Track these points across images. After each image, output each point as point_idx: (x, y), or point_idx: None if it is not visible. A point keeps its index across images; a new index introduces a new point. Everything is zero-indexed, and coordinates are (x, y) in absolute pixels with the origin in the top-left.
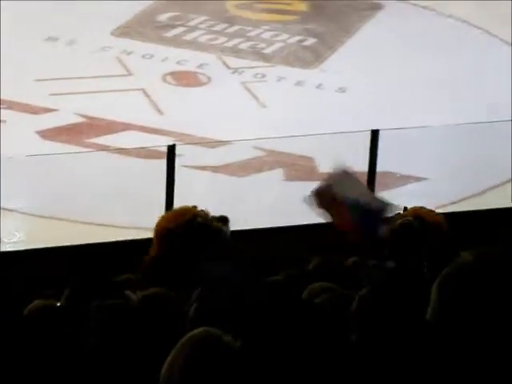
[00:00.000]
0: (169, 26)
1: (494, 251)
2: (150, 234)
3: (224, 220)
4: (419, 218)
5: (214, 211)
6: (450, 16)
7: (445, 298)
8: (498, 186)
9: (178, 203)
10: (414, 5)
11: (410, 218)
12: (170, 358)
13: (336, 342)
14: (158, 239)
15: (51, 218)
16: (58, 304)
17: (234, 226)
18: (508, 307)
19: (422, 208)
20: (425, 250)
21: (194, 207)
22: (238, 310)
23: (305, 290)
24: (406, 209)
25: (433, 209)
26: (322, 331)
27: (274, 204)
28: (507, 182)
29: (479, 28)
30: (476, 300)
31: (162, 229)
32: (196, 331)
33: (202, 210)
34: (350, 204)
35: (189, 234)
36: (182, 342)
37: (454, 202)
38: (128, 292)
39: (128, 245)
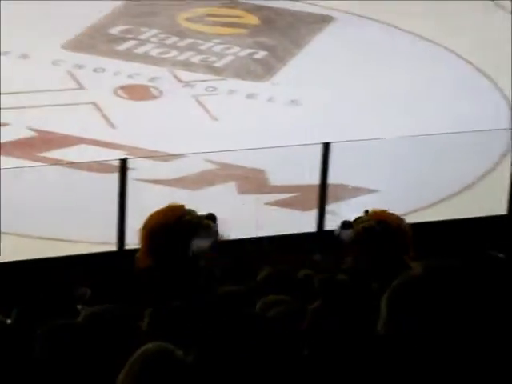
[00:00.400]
0: (120, 39)
1: (442, 264)
2: (103, 248)
3: (212, 218)
4: (381, 222)
5: None
6: (399, 28)
7: (394, 311)
8: (446, 198)
9: (130, 217)
10: (364, 17)
11: (373, 222)
12: (123, 372)
13: (289, 357)
14: (149, 237)
15: (2, 232)
16: (8, 321)
17: None
18: (456, 319)
19: (383, 211)
20: (387, 253)
21: (182, 205)
22: (192, 324)
23: (258, 302)
24: (367, 212)
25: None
26: (276, 345)
27: (228, 217)
28: (455, 194)
29: (429, 40)
30: (424, 312)
31: (153, 225)
32: (149, 345)
33: (190, 209)
34: None
35: (180, 230)
36: (134, 357)
37: (404, 214)
38: (81, 307)
39: (82, 258)
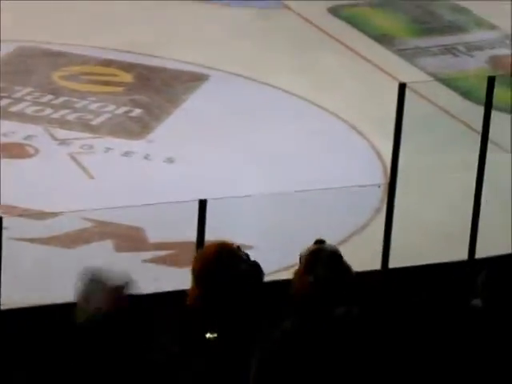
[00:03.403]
0: None
1: (313, 319)
2: None
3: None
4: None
5: (46, 283)
6: (272, 85)
7: (265, 366)
8: None
9: (5, 277)
10: (238, 75)
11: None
12: None
13: None
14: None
15: None
16: None
17: (67, 298)
18: (325, 371)
19: None
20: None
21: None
22: None
23: None
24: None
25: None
26: None
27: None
28: None
29: (301, 97)
30: (294, 368)
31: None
32: None
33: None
34: None
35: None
36: None
37: (277, 271)
38: None
39: None
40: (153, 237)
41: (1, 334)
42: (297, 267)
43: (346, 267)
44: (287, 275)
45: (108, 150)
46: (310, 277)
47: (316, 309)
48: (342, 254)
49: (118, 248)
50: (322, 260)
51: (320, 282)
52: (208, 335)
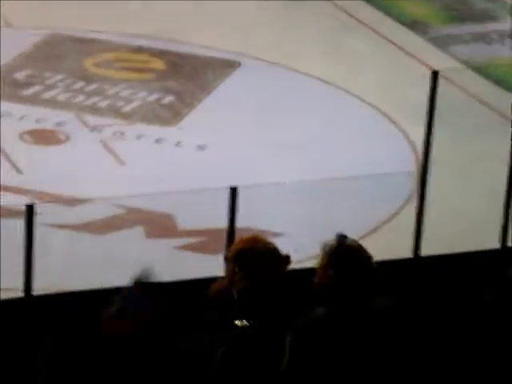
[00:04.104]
0: (26, 84)
1: (346, 307)
2: (10, 294)
3: None
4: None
5: (78, 269)
6: (302, 72)
7: (296, 350)
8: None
9: (38, 263)
10: (270, 62)
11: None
12: None
13: None
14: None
15: None
16: None
17: (98, 284)
18: (356, 360)
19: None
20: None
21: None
22: None
23: None
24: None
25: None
26: None
27: (137, 261)
28: (360, 237)
29: (333, 84)
30: (325, 353)
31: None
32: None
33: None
34: None
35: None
36: None
37: (308, 259)
38: None
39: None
40: (183, 224)
41: (32, 319)
42: (319, 257)
43: (366, 261)
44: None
45: (139, 136)
46: (330, 270)
47: (343, 299)
48: (373, 242)
49: (149, 234)
50: (342, 255)
51: (341, 276)
52: (239, 322)
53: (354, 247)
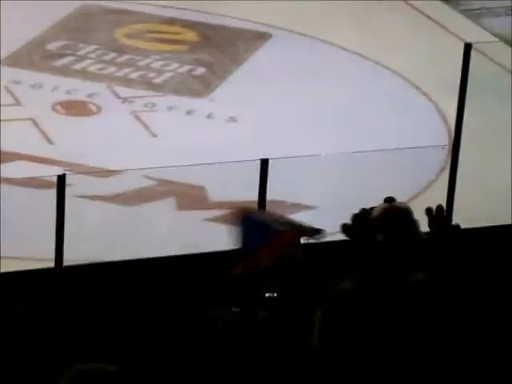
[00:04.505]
0: (58, 55)
1: (374, 280)
2: (41, 265)
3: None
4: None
5: (109, 240)
6: (335, 45)
7: (327, 325)
8: None
9: (68, 233)
10: (301, 34)
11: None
12: None
13: None
14: None
15: None
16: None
17: (128, 255)
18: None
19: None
20: None
21: None
22: None
23: None
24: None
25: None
26: None
27: (168, 233)
28: None
29: (365, 57)
30: (356, 327)
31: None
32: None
33: None
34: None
35: None
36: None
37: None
38: None
39: (20, 275)
40: (214, 196)
41: (63, 289)
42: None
43: (416, 227)
44: None
45: (171, 108)
46: (378, 235)
47: (386, 272)
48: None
49: (180, 206)
50: (394, 218)
51: (390, 241)
52: (268, 294)
53: (406, 208)
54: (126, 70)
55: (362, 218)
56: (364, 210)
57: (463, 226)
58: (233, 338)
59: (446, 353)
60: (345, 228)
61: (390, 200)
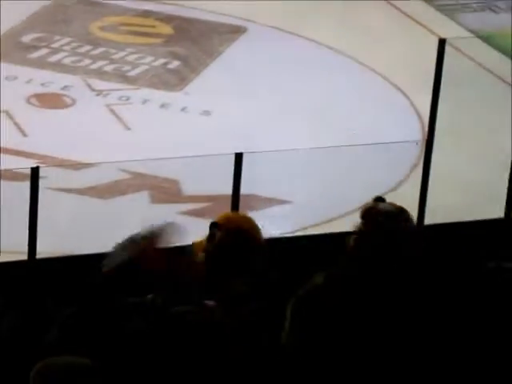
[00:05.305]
0: (33, 47)
1: (343, 273)
2: (13, 257)
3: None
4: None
5: (81, 233)
6: (309, 39)
7: (297, 321)
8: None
9: (41, 226)
10: (277, 28)
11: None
12: None
13: None
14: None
15: None
16: None
17: (101, 249)
18: (357, 329)
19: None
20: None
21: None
22: None
23: None
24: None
25: (295, 231)
26: None
27: (141, 226)
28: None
29: (341, 52)
30: (327, 322)
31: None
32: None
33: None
34: None
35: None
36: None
37: (317, 225)
38: None
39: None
40: (188, 189)
41: (36, 282)
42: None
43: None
44: (322, 230)
45: (145, 101)
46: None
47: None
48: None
49: (154, 200)
50: (383, 217)
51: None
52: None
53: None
54: (101, 63)
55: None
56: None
57: (435, 222)
58: (206, 330)
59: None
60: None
61: (379, 200)
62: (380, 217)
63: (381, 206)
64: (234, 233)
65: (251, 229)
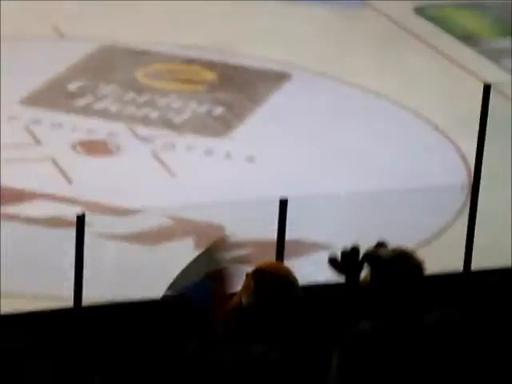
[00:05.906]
0: (78, 94)
1: (391, 320)
2: (62, 304)
3: None
4: None
5: (128, 279)
6: (356, 86)
7: (344, 365)
8: None
9: (88, 273)
10: (321, 74)
11: None
12: None
13: None
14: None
15: None
16: None
17: (151, 294)
18: (405, 374)
19: None
20: None
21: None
22: None
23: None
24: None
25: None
26: None
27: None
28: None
29: (388, 99)
30: (374, 367)
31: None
32: None
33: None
34: None
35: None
36: None
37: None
38: None
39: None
40: (234, 235)
41: (82, 330)
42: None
43: (412, 270)
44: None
45: (189, 148)
46: (369, 278)
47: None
48: (424, 255)
49: (199, 245)
50: (382, 262)
51: (381, 284)
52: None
53: (397, 253)
54: (146, 110)
55: (352, 255)
56: (355, 248)
57: (483, 266)
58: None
59: None
60: (332, 262)
61: (380, 245)
62: (382, 265)
63: (382, 251)
64: (264, 290)
65: (284, 284)
